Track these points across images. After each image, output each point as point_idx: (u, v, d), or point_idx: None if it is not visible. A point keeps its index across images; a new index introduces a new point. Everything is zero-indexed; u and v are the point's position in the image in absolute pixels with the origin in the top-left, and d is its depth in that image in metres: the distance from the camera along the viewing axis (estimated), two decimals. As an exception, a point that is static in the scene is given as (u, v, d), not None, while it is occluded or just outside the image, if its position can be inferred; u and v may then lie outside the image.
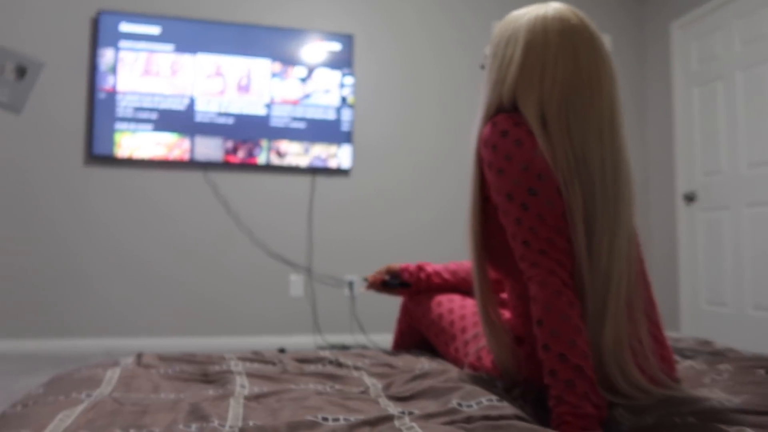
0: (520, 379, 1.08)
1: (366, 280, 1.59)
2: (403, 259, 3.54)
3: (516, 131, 1.00)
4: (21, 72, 3.16)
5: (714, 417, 0.89)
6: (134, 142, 3.23)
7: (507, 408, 0.89)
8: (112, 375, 1.09)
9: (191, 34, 3.33)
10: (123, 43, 3.24)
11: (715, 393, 1.03)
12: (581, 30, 1.04)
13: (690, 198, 3.61)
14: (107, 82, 3.21)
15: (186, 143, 3.29)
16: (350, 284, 3.52)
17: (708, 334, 3.37)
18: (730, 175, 3.36)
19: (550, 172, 0.98)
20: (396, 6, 3.73)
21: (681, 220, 3.69)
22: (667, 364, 1.06)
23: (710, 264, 3.47)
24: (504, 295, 1.25)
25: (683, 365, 1.25)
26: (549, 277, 0.95)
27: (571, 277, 0.97)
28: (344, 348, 3.22)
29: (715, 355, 1.36)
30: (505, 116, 1.03)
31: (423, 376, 1.10)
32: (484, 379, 1.07)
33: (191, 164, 3.35)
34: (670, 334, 3.66)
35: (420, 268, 1.50)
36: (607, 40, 3.96)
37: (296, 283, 3.47)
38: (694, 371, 1.21)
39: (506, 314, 1.19)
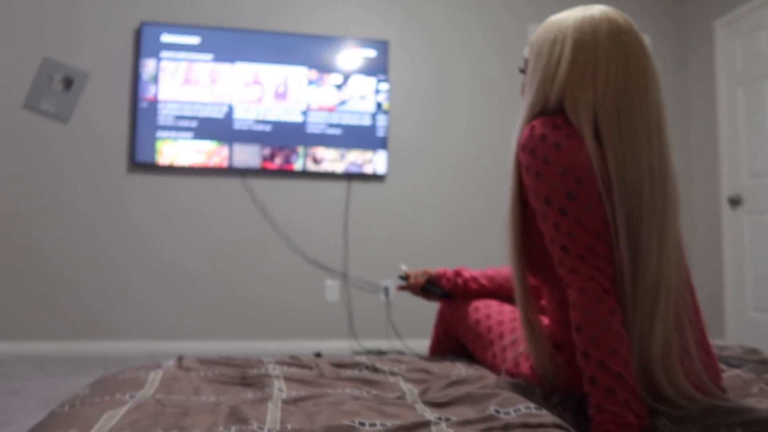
0: (558, 386, 1.06)
1: (402, 277, 1.58)
2: (439, 263, 3.53)
3: (555, 135, 0.99)
4: (68, 83, 3.28)
5: (762, 428, 0.86)
6: (175, 150, 3.31)
7: (546, 416, 0.88)
8: (155, 377, 1.12)
9: (229, 43, 3.40)
10: (164, 54, 3.33)
11: (764, 404, 0.99)
12: (628, 31, 1.03)
13: (735, 201, 3.50)
14: (149, 92, 3.30)
15: (225, 150, 3.36)
16: (386, 289, 3.53)
17: (755, 342, 3.25)
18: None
19: (589, 176, 0.96)
20: (431, 11, 3.73)
21: (726, 224, 3.58)
22: (713, 372, 1.03)
23: (756, 269, 3.35)
24: (542, 302, 1.24)
25: (729, 374, 1.21)
26: (588, 283, 0.94)
27: (612, 284, 0.95)
28: (380, 353, 3.23)
29: (763, 363, 1.31)
30: (544, 119, 1.01)
31: (460, 382, 1.09)
32: (522, 386, 1.06)
33: (230, 171, 3.41)
34: (715, 342, 3.54)
35: (457, 274, 1.49)
36: (647, 40, 3.87)
37: (332, 288, 3.49)
38: (741, 380, 1.17)
39: (545, 321, 1.17)
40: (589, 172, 0.96)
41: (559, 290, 1.06)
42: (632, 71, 1.00)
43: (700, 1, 3.87)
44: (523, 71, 1.14)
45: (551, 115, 1.03)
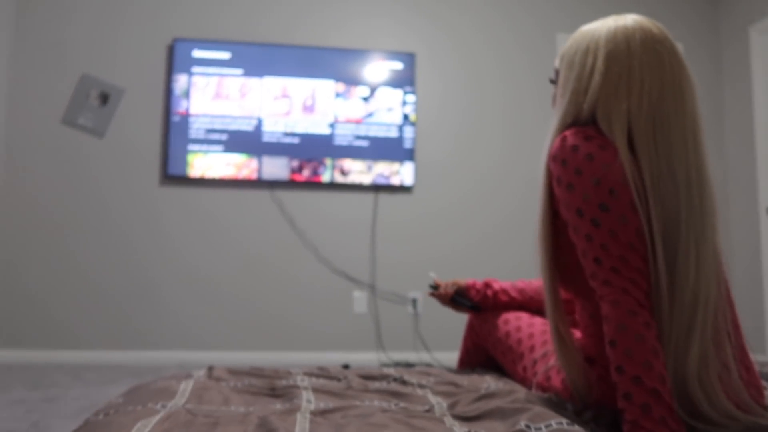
0: (591, 401, 1.04)
1: (432, 285, 1.58)
2: (467, 274, 3.50)
3: (587, 145, 0.97)
4: (104, 98, 3.38)
5: (809, 449, 0.82)
6: (206, 163, 3.37)
7: (578, 432, 0.86)
8: (186, 387, 1.13)
9: (259, 58, 3.46)
10: (196, 69, 3.40)
11: (810, 422, 0.95)
12: (663, 40, 1.01)
13: (775, 212, 3.39)
14: (181, 106, 3.38)
15: (254, 163, 3.41)
16: (413, 301, 3.52)
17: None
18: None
19: (623, 187, 0.94)
20: (458, 22, 3.74)
21: (765, 235, 3.47)
22: (754, 389, 0.99)
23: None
24: (575, 316, 1.21)
25: (772, 391, 1.17)
26: (622, 296, 0.92)
27: (647, 297, 0.93)
28: (408, 365, 3.21)
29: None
30: (575, 130, 1.00)
31: (489, 395, 1.07)
32: (554, 401, 1.04)
33: (259, 183, 3.45)
34: (756, 357, 3.43)
35: (487, 285, 1.48)
36: (681, 49, 3.81)
37: (360, 299, 3.49)
38: (785, 398, 1.12)
39: (577, 334, 1.15)
40: (622, 183, 0.94)
41: (592, 303, 1.04)
42: (667, 81, 0.99)
43: (735, 7, 3.79)
44: (554, 82, 1.13)
45: (583, 125, 1.02)
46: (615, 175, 0.95)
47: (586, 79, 1.02)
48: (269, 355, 3.36)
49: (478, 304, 1.48)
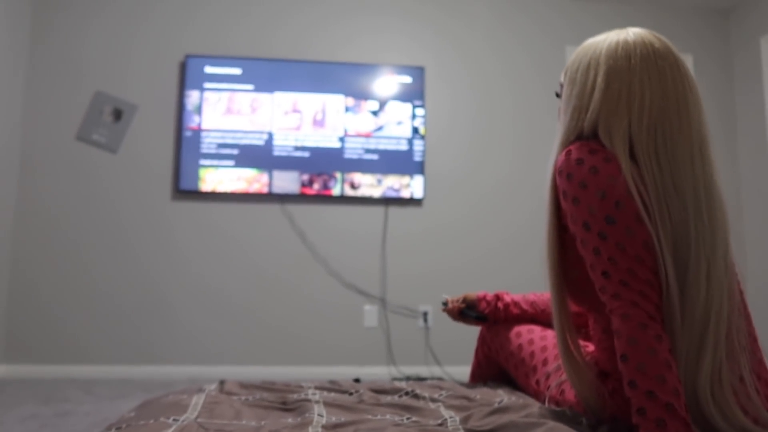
0: (605, 415, 1.02)
1: (445, 303, 1.57)
2: (477, 287, 3.48)
3: (591, 159, 0.97)
4: (117, 114, 3.42)
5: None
6: (217, 177, 3.39)
7: (593, 446, 0.85)
8: (197, 401, 1.13)
9: (269, 73, 3.49)
10: (207, 84, 3.44)
11: (831, 437, 0.93)
12: (665, 54, 1.01)
13: (789, 223, 3.35)
14: (193, 121, 3.41)
15: (264, 177, 3.43)
16: (424, 315, 3.50)
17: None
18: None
19: (628, 200, 0.94)
20: (467, 36, 3.76)
21: (780, 246, 3.43)
22: (772, 403, 0.97)
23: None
24: (587, 328, 1.20)
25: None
26: (632, 309, 0.91)
27: (658, 310, 0.92)
28: (419, 379, 3.18)
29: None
30: (579, 144, 1.00)
31: (503, 410, 1.06)
32: (568, 415, 1.02)
33: (269, 197, 3.47)
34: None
35: (498, 298, 1.47)
36: (689, 60, 3.80)
37: (370, 313, 3.48)
38: (804, 412, 1.10)
39: (590, 347, 1.14)
40: (628, 195, 0.94)
41: (604, 317, 1.03)
42: (669, 96, 0.98)
43: (746, 18, 3.78)
44: (559, 96, 1.13)
45: (587, 139, 1.02)
46: (620, 188, 0.94)
47: (588, 95, 1.02)
48: (280, 370, 3.35)
49: (484, 315, 1.47)
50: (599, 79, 1.01)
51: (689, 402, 0.90)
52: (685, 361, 0.91)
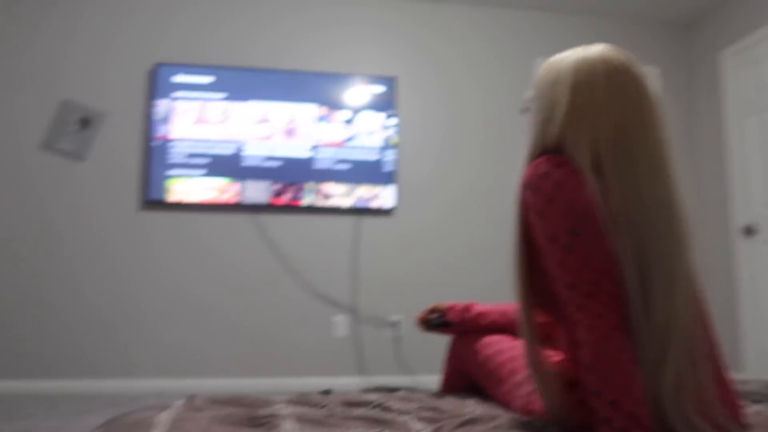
0: (573, 425, 1.04)
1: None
2: (449, 296, 3.50)
3: (557, 172, 0.99)
4: (85, 123, 3.35)
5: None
6: (187, 187, 3.35)
7: (560, 457, 0.86)
8: (164, 418, 1.11)
9: (242, 82, 3.47)
10: (178, 93, 3.40)
11: (788, 442, 0.96)
12: (627, 70, 1.04)
13: (749, 231, 3.46)
14: (161, 130, 3.36)
15: (235, 187, 3.39)
16: (395, 324, 3.50)
17: (777, 376, 3.17)
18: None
19: (593, 213, 0.96)
20: (439, 46, 3.80)
21: (739, 255, 3.53)
22: (733, 409, 1.00)
23: (776, 300, 3.29)
24: (556, 338, 1.22)
25: (751, 410, 1.18)
26: (596, 320, 0.93)
27: (622, 321, 0.94)
28: (390, 390, 3.18)
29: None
30: (546, 158, 1.02)
31: (473, 421, 1.07)
32: (537, 426, 1.04)
33: (240, 207, 3.44)
34: (735, 376, 3.45)
35: (467, 308, 1.48)
36: (654, 73, 3.91)
37: (341, 323, 3.47)
38: (764, 417, 1.14)
39: (558, 357, 1.16)
40: (593, 209, 0.96)
41: (571, 327, 1.04)
42: (631, 111, 1.01)
43: (708, 32, 3.90)
44: (524, 113, 1.16)
45: (554, 153, 1.04)
46: (585, 201, 0.97)
47: (553, 110, 1.05)
48: (251, 381, 3.30)
49: (447, 321, 1.48)
50: (563, 96, 1.04)
51: (654, 411, 0.92)
52: (649, 370, 0.93)
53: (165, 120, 3.37)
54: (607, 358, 0.90)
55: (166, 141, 3.36)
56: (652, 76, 3.91)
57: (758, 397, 1.30)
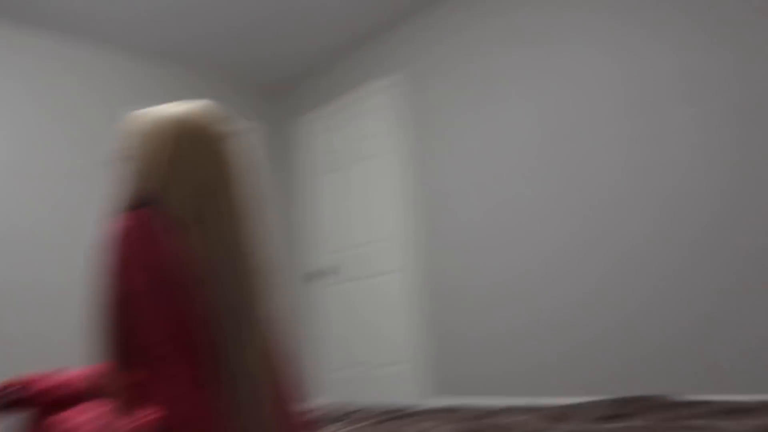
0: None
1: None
2: None
3: (138, 228, 0.98)
4: None
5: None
6: None
7: None
8: None
9: None
10: None
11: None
12: (210, 131, 1.09)
13: (318, 275, 3.99)
14: None
15: None
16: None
17: (347, 395, 3.70)
18: (357, 250, 3.86)
19: (176, 268, 0.98)
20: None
21: (314, 295, 4.05)
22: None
23: (341, 330, 3.86)
24: (151, 396, 1.13)
25: (329, 429, 1.32)
26: (176, 375, 0.93)
27: (203, 374, 0.96)
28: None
29: (349, 414, 1.48)
30: (129, 213, 1.01)
31: None
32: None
33: None
34: (316, 402, 3.90)
35: (31, 382, 1.23)
36: (252, 131, 4.20)
37: None
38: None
39: (155, 415, 1.07)
40: (175, 263, 0.98)
41: (158, 382, 1.00)
42: (213, 169, 1.07)
43: (294, 98, 4.44)
44: (108, 166, 1.12)
45: (141, 207, 1.03)
46: (164, 257, 0.97)
47: (143, 165, 1.06)
48: None
49: (10, 399, 1.22)
50: (149, 151, 1.05)
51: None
52: (232, 419, 0.97)
53: None
54: (186, 409, 0.91)
55: None
56: (250, 134, 4.21)
57: (337, 417, 1.48)
